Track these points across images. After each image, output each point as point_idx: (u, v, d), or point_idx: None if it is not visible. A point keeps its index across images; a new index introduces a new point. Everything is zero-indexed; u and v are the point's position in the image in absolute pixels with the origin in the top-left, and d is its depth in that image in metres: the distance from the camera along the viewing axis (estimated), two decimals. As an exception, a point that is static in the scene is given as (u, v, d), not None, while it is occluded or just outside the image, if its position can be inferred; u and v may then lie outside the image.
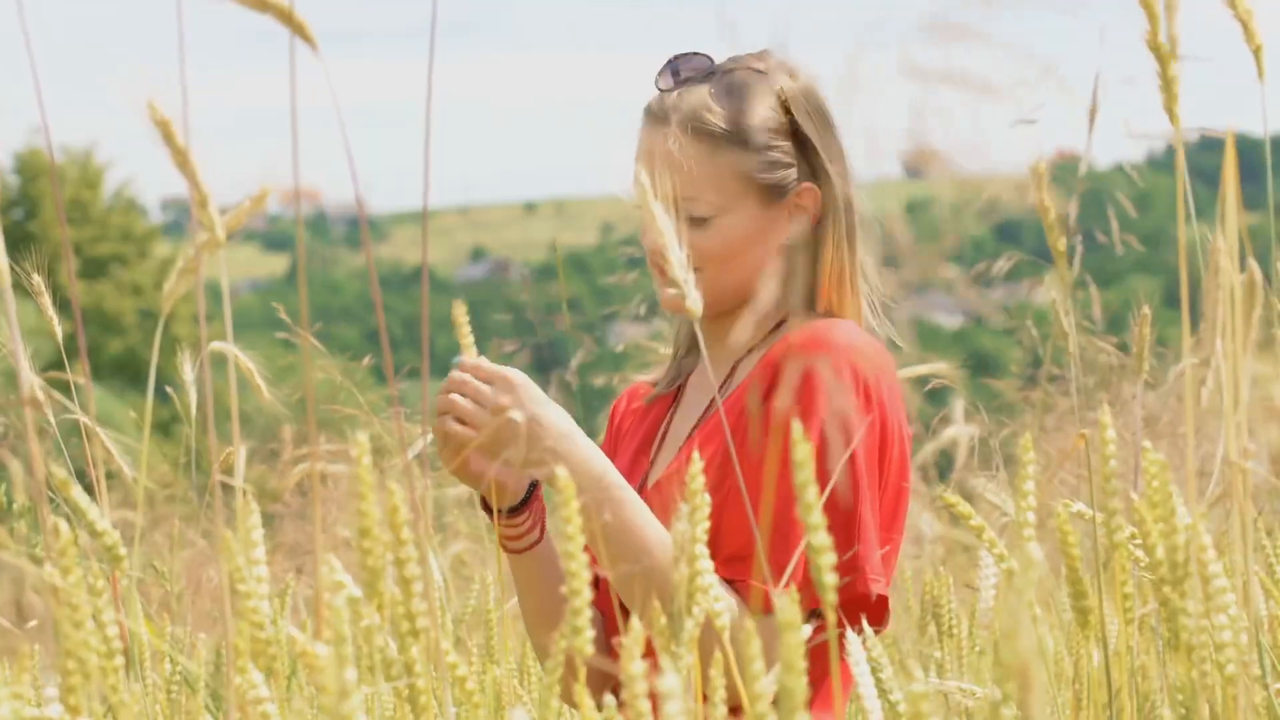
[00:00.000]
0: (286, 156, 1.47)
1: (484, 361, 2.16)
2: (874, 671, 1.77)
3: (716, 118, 2.24)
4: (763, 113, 2.25)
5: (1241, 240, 1.65)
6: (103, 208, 30.84)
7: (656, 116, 2.27)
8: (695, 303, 1.69)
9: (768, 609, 2.07)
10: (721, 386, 2.31)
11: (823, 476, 2.12)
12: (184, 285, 1.51)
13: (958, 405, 5.16)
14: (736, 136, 2.24)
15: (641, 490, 2.27)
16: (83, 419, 2.34)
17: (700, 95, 2.25)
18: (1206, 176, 1.84)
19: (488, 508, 2.25)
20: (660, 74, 2.30)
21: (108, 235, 30.54)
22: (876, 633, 2.13)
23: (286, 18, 1.43)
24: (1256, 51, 1.79)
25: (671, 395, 2.41)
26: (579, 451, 2.13)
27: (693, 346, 2.41)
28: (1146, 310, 2.78)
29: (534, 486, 2.26)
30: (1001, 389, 5.05)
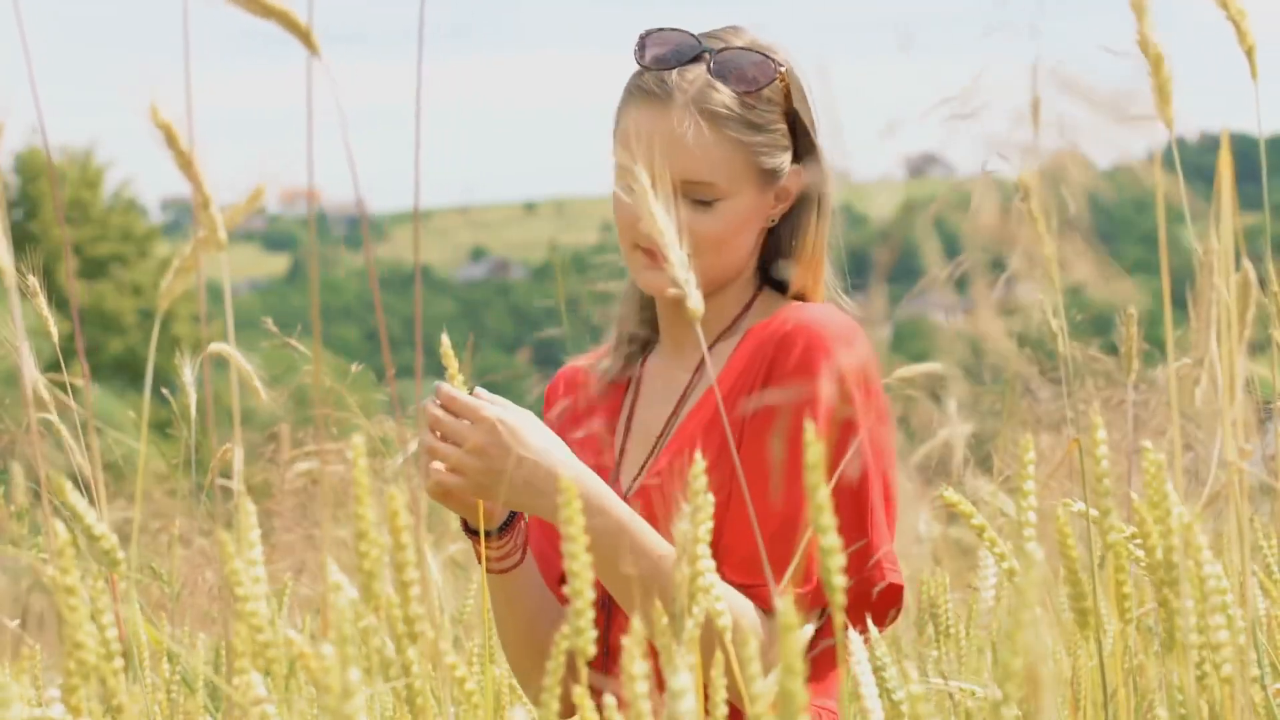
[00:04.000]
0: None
1: (461, 396, 2.04)
2: (876, 671, 1.77)
3: (725, 98, 2.14)
4: (768, 94, 2.16)
5: (1236, 240, 1.65)
6: (103, 208, 30.84)
7: (656, 96, 2.15)
8: (697, 303, 1.60)
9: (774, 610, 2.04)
10: (695, 371, 2.23)
11: (833, 470, 2.09)
12: (181, 284, 1.51)
13: (951, 405, 5.16)
14: (744, 118, 2.15)
15: (615, 485, 2.20)
16: (82, 418, 2.34)
17: (702, 75, 2.15)
18: (1205, 176, 1.84)
19: (469, 528, 2.17)
20: (640, 49, 2.18)
21: (108, 235, 30.53)
22: (894, 618, 2.10)
23: (290, 23, 1.43)
24: (1249, 52, 1.78)
25: (625, 382, 2.31)
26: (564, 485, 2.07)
27: (651, 331, 2.31)
28: (1132, 310, 2.76)
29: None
30: (996, 390, 5.04)
